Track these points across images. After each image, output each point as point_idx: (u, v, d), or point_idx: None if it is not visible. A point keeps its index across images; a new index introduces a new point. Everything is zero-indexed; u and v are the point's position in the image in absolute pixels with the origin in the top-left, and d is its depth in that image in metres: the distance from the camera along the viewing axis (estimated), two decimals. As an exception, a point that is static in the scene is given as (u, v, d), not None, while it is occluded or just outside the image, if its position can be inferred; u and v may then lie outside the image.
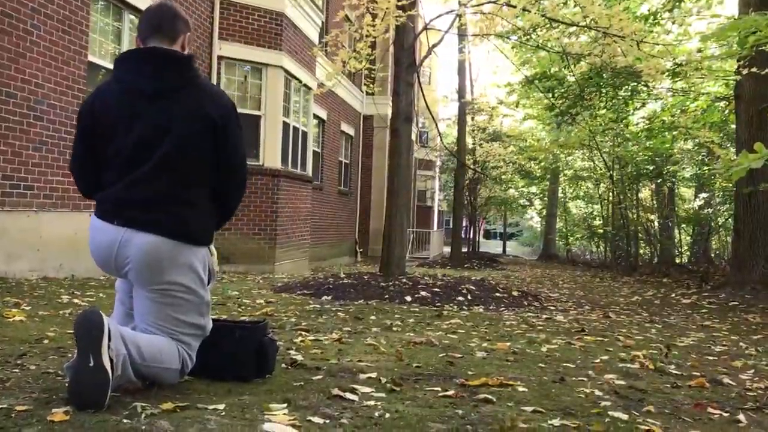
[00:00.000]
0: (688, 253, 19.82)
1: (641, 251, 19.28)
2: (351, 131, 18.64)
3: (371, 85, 15.79)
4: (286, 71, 11.14)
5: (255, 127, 10.78)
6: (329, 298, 6.07)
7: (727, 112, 13.07)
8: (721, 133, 13.70)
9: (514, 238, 49.32)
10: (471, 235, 26.73)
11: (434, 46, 7.96)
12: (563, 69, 14.98)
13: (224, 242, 10.39)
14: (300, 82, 11.78)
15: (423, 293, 6.22)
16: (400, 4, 7.02)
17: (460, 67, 18.35)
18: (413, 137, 25.06)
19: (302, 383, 2.45)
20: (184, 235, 2.21)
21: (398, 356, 3.08)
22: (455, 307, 5.89)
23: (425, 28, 7.84)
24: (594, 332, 4.68)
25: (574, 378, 2.86)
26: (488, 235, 50.67)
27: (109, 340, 1.95)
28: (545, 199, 30.16)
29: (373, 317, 4.68)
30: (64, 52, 6.92)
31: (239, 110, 9.78)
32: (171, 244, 2.17)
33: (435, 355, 3.25)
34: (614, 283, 11.66)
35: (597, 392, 2.58)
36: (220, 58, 10.41)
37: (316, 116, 14.26)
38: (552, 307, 6.60)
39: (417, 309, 5.37)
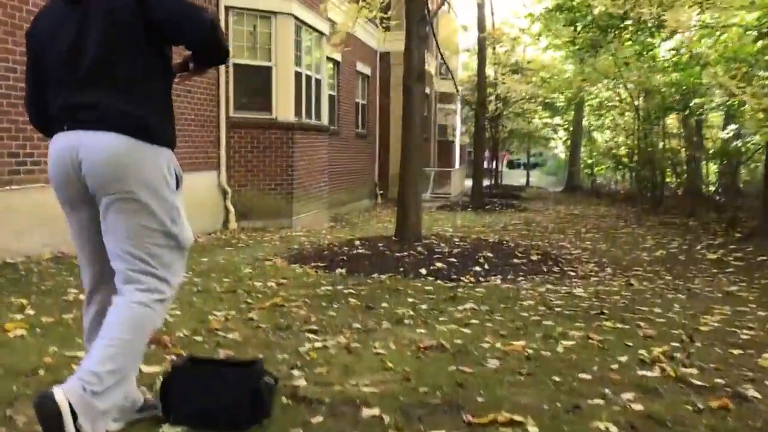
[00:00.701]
0: (715, 185, 19.35)
1: (668, 180, 18.82)
2: (367, 70, 18.18)
3: (387, 22, 15.25)
4: (297, 18, 10.75)
5: (266, 79, 10.50)
6: (343, 271, 5.96)
7: (761, 44, 12.42)
8: (752, 68, 13.07)
9: (537, 168, 48.77)
10: (494, 167, 26.40)
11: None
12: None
13: (241, 198, 10.30)
14: (312, 28, 11.38)
15: (438, 264, 6.09)
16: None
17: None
18: (432, 70, 24.47)
19: (301, 429, 2.35)
20: (142, 131, 2.08)
21: (405, 376, 2.96)
22: (471, 279, 5.75)
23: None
24: (614, 314, 4.52)
25: (589, 402, 2.73)
26: (512, 165, 50.12)
27: (75, 419, 1.85)
28: (569, 129, 29.54)
29: (385, 305, 4.56)
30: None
31: (248, 61, 9.54)
32: (129, 141, 2.06)
33: (444, 368, 3.13)
34: (638, 229, 11.42)
35: (612, 429, 2.45)
36: (227, 8, 10.05)
37: (329, 59, 13.85)
38: (572, 272, 6.44)
39: (431, 288, 5.24)
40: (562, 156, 37.09)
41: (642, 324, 4.25)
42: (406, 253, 6.45)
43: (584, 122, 27.75)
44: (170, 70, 2.23)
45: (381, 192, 19.83)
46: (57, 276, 5.16)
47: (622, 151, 22.18)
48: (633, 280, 6.08)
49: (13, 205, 6.08)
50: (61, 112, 2.11)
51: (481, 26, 17.43)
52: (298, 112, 11.05)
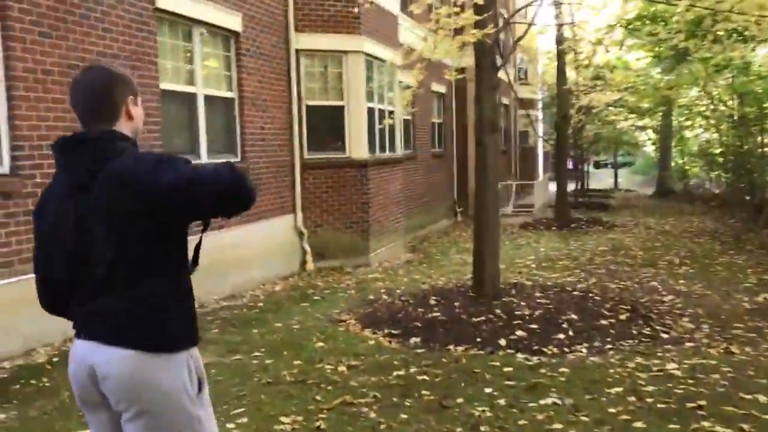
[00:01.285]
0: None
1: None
2: (442, 89, 17.90)
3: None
4: (368, 54, 10.63)
5: (339, 118, 10.43)
6: (418, 341, 5.75)
7: None
8: None
9: (626, 167, 46.94)
10: (579, 173, 25.53)
11: (519, 40, 7.21)
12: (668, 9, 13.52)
13: (317, 239, 10.27)
14: (383, 61, 11.23)
15: (518, 333, 5.78)
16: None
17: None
18: (511, 77, 23.89)
19: None
20: (158, 342, 1.94)
21: None
22: (555, 351, 5.42)
23: (507, 23, 7.09)
24: (713, 407, 4.11)
25: None
26: (598, 165, 48.44)
27: None
28: (657, 131, 28.24)
29: (460, 400, 4.31)
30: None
31: (320, 102, 9.44)
32: (144, 358, 1.91)
33: None
34: (737, 256, 10.65)
35: None
36: (298, 51, 10.03)
37: (403, 83, 13.67)
38: (665, 333, 5.98)
39: (510, 370, 4.94)
40: (652, 154, 35.55)
41: (745, 427, 3.84)
42: (483, 318, 6.16)
43: (674, 122, 26.44)
44: (185, 252, 2.06)
45: (460, 209, 19.51)
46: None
47: (716, 149, 20.97)
48: (734, 346, 5.58)
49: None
50: (73, 317, 2.03)
51: (559, 40, 16.82)
52: (371, 148, 10.94)
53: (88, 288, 1.96)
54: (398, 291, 8.27)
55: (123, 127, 2.05)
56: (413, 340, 5.80)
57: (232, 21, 8.45)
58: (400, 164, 12.45)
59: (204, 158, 7.96)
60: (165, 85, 7.30)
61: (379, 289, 8.52)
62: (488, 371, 4.94)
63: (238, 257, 8.48)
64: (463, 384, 4.65)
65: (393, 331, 6.06)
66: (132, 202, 1.88)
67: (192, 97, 7.86)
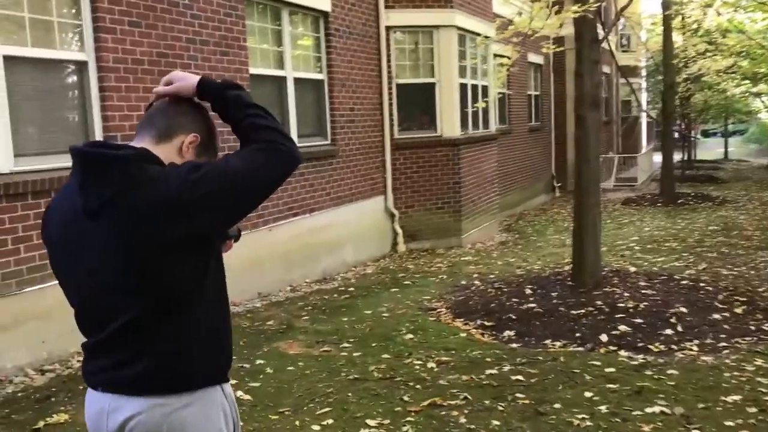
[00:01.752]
0: None
1: None
2: (539, 59, 17.19)
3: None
4: (460, 29, 10.25)
5: (430, 96, 10.16)
6: (512, 335, 5.48)
7: None
8: None
9: (737, 135, 44.01)
10: (686, 144, 24.07)
11: (623, 9, 6.67)
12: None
13: (408, 220, 10.11)
14: (477, 34, 10.82)
15: (622, 327, 5.39)
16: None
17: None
18: (612, 46, 22.64)
19: None
20: (184, 383, 1.69)
21: None
22: (661, 348, 5.01)
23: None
24: None
25: None
26: (706, 133, 45.69)
27: None
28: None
29: (557, 405, 4.03)
30: (224, 74, 6.75)
31: (410, 80, 9.16)
32: (168, 402, 1.67)
33: None
34: None
35: None
36: (388, 28, 9.78)
37: (498, 56, 13.17)
38: (787, 330, 5.43)
39: (613, 370, 4.59)
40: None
41: None
42: (583, 310, 5.80)
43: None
44: (213, 284, 1.76)
45: (559, 184, 18.82)
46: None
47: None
48: None
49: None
50: (85, 363, 1.78)
51: (666, 4, 15.74)
52: (464, 125, 10.60)
53: (102, 337, 1.69)
54: (491, 276, 7.99)
55: (168, 155, 1.73)
56: (507, 333, 5.53)
57: (322, 1, 8.30)
58: (494, 141, 12.05)
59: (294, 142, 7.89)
60: (254, 70, 7.26)
61: (472, 273, 8.25)
62: (588, 371, 4.61)
63: (329, 240, 8.43)
64: (560, 386, 4.36)
65: (486, 323, 5.81)
66: (159, 230, 1.57)
67: (281, 80, 7.79)
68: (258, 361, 4.87)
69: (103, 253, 1.62)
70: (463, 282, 7.73)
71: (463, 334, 5.57)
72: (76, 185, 1.66)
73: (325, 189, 8.39)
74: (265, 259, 7.29)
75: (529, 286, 6.84)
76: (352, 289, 7.52)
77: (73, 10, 5.31)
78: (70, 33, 5.32)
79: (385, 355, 5.01)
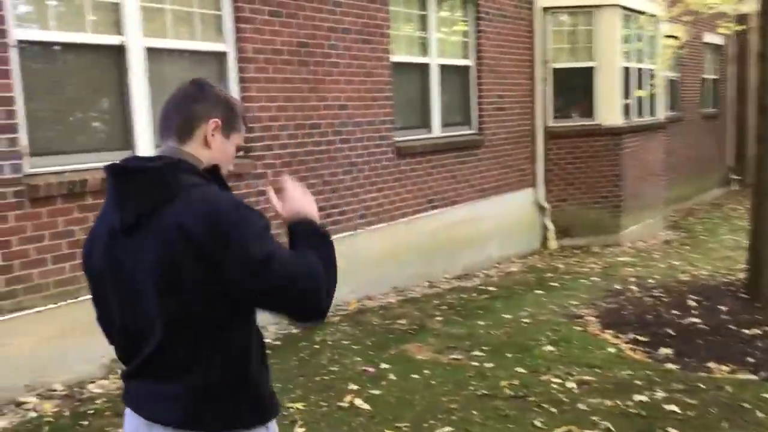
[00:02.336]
0: None
1: None
2: (718, 40, 15.54)
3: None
4: (624, 8, 9.40)
5: (588, 82, 9.43)
6: (669, 353, 4.83)
7: None
8: None
9: None
10: None
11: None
12: None
13: (561, 214, 9.48)
14: (642, 13, 9.88)
15: (805, 355, 4.58)
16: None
17: None
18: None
19: None
20: (227, 423, 1.58)
21: None
22: None
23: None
24: None
25: None
26: None
27: None
28: None
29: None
30: (366, 63, 6.57)
31: (567, 64, 8.58)
32: None
33: None
34: None
35: None
36: (545, 9, 9.17)
37: (667, 36, 12.01)
38: None
39: (792, 409, 3.87)
40: None
41: None
42: (758, 331, 5.01)
43: None
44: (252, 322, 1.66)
45: (738, 177, 16.99)
46: (354, 339, 5.01)
47: None
48: None
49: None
50: (126, 388, 1.70)
51: None
52: (626, 113, 9.74)
53: (140, 362, 1.60)
54: (650, 281, 7.23)
55: (196, 151, 1.66)
56: (663, 351, 4.90)
57: (471, -18, 7.89)
58: (661, 130, 11.01)
59: (436, 131, 7.59)
60: (397, 57, 7.01)
61: (628, 276, 7.53)
62: (761, 407, 3.92)
63: (471, 234, 8.06)
64: (725, 423, 3.73)
65: (639, 337, 5.19)
66: (193, 265, 1.48)
67: (425, 67, 7.49)
68: (383, 365, 4.64)
69: (140, 272, 1.54)
70: (617, 286, 7.06)
71: (612, 349, 5.00)
72: (112, 204, 1.59)
73: (469, 180, 8.01)
74: (402, 253, 7.07)
75: (693, 296, 6.07)
76: (492, 288, 7.11)
77: (214, 1, 5.32)
78: (211, 24, 5.34)
79: (520, 369, 4.58)
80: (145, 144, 4.78)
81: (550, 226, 9.42)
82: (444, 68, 7.69)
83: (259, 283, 1.50)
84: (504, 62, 8.55)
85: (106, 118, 4.80)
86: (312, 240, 1.67)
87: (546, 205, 9.40)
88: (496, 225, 8.48)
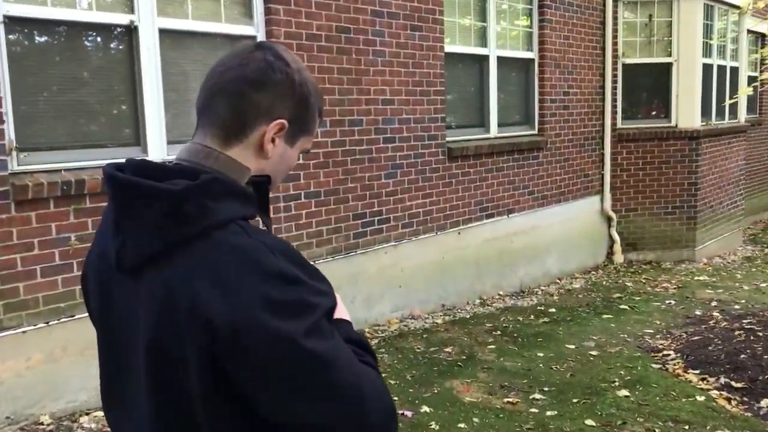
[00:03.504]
0: None
1: None
2: (804, 37, 14.23)
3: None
4: (707, -3, 8.42)
5: (664, 79, 8.49)
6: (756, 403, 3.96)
7: None
8: None
9: None
10: None
11: None
12: None
13: (629, 225, 8.58)
14: (727, 5, 8.87)
15: None
16: None
17: None
18: None
19: None
20: None
21: None
22: None
23: None
24: None
25: None
26: None
27: None
28: None
29: None
30: (415, 53, 5.83)
31: (640, 60, 7.73)
32: None
33: None
34: None
35: None
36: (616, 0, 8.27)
37: (751, 32, 10.92)
38: None
39: None
40: None
41: None
42: None
43: None
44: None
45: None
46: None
47: None
48: None
49: (360, 270, 5.50)
50: None
51: None
52: (705, 114, 8.75)
53: None
54: (736, 307, 6.30)
55: (245, 159, 1.15)
56: (764, 403, 4.02)
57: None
58: (742, 134, 9.95)
59: (493, 131, 6.80)
60: (450, 48, 6.25)
61: (708, 300, 6.60)
62: None
63: (530, 246, 7.24)
64: None
65: (733, 383, 4.32)
66: (197, 369, 1.02)
67: (482, 60, 6.70)
68: (423, 408, 3.91)
69: (135, 336, 1.09)
70: (698, 312, 6.15)
71: (701, 398, 4.14)
72: (111, 222, 1.11)
73: (528, 186, 7.19)
74: (452, 266, 6.31)
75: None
76: (553, 309, 6.28)
77: (242, -22, 4.67)
78: (236, 3, 4.69)
79: (589, 421, 3.78)
80: (156, 140, 4.16)
81: (617, 238, 8.51)
82: (503, 61, 6.89)
83: (308, 403, 1.03)
84: (570, 56, 7.69)
85: (110, 110, 4.18)
86: (355, 348, 1.14)
87: (613, 214, 8.49)
88: (557, 236, 7.63)
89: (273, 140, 1.14)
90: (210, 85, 1.15)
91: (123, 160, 1.13)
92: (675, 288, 7.17)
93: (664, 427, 3.70)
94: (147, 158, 1.21)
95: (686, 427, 3.70)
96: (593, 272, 8.00)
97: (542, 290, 7.14)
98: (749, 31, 10.44)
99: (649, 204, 8.61)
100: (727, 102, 8.82)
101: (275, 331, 0.97)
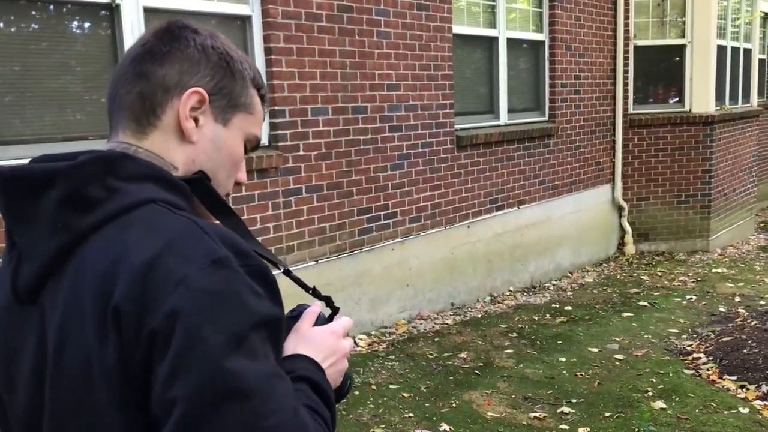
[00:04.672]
0: None
1: None
2: (811, 18, 13.87)
3: None
4: (722, -25, 8.02)
5: (677, 62, 8.11)
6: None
7: None
8: None
9: None
10: None
11: None
12: None
13: (640, 214, 8.23)
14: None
15: None
16: None
17: None
18: None
19: None
20: None
21: None
22: None
23: None
24: None
25: None
26: None
27: None
28: None
29: None
30: (422, 35, 5.42)
31: (653, 42, 7.39)
32: None
33: None
34: None
35: None
36: (626, -24, 7.85)
37: (764, 13, 10.55)
38: None
39: None
40: None
41: None
42: None
43: None
44: None
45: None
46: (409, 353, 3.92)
47: None
48: None
49: (366, 269, 5.11)
50: None
51: None
52: (719, 98, 8.39)
53: None
54: (762, 302, 5.95)
55: (164, 148, 0.93)
56: None
57: (546, -59, 6.65)
58: (754, 119, 9.60)
59: (503, 118, 6.40)
60: (459, 29, 5.84)
61: (731, 295, 6.26)
62: None
63: (540, 239, 6.87)
64: None
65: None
66: (111, 362, 0.77)
67: (492, 41, 6.29)
68: (443, 426, 3.53)
69: (34, 368, 0.85)
70: (722, 309, 5.81)
71: (744, 410, 3.78)
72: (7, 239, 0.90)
73: (539, 176, 6.81)
74: (461, 262, 5.94)
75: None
76: (568, 307, 5.92)
77: (237, -48, 4.24)
78: (230, -20, 4.27)
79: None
80: (142, 131, 3.74)
81: (628, 228, 8.15)
82: (513, 43, 6.49)
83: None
84: (582, 37, 7.28)
85: (91, 98, 3.76)
86: (311, 394, 0.88)
87: (624, 204, 8.13)
88: (569, 228, 7.27)
89: (195, 120, 0.93)
90: (115, 75, 0.97)
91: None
92: (693, 282, 6.82)
93: (709, 447, 3.35)
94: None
95: (732, 447, 3.35)
96: (605, 265, 7.65)
97: (554, 285, 6.78)
98: (764, 13, 10.07)
99: (662, 192, 8.25)
100: (728, 79, 8.45)
101: (189, 331, 0.74)
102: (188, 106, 0.92)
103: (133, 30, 3.67)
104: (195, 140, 0.93)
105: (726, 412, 3.74)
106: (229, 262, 0.78)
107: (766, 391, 4.00)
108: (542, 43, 6.89)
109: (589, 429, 3.54)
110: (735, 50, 8.86)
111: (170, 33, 0.94)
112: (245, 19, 4.27)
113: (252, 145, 1.01)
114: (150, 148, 0.92)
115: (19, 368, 0.88)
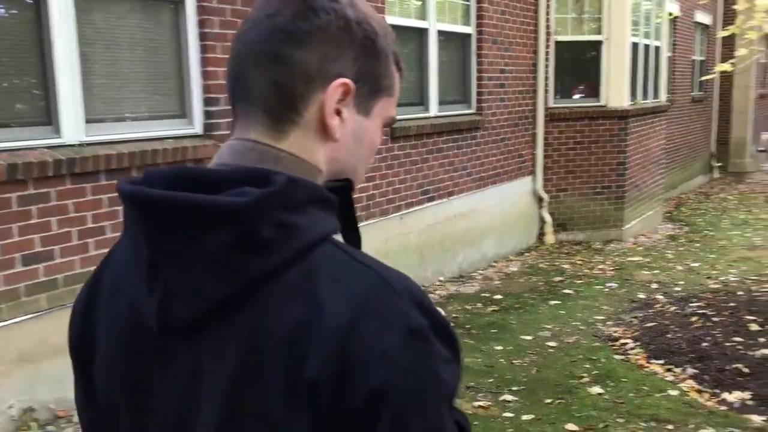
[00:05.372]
0: None
1: None
2: (707, 19, 14.75)
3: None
4: (636, -25, 8.35)
5: (594, 58, 8.40)
6: (746, 399, 3.83)
7: None
8: None
9: None
10: None
11: None
12: None
13: (559, 206, 8.48)
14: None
15: None
16: None
17: None
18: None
19: None
20: None
21: None
22: None
23: None
24: None
25: None
26: None
27: None
28: None
29: None
30: (354, 23, 5.34)
31: (572, 38, 7.60)
32: None
33: None
34: None
35: None
36: (548, -27, 8.04)
37: (671, 15, 11.08)
38: None
39: None
40: None
41: None
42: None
43: None
44: None
45: (719, 164, 16.25)
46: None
47: None
48: None
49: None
50: None
51: None
52: (633, 94, 8.76)
53: None
54: (677, 289, 6.28)
55: (307, 150, 0.80)
56: (737, 396, 3.89)
57: (473, -65, 6.71)
58: (663, 114, 10.09)
59: (433, 110, 6.44)
60: (392, 19, 5.82)
61: (648, 282, 6.56)
62: None
63: (467, 230, 6.97)
64: None
65: (701, 374, 4.18)
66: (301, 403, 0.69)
67: (422, 33, 6.31)
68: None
69: (197, 411, 0.75)
70: (641, 296, 6.08)
71: (673, 392, 3.97)
72: (142, 265, 0.74)
73: (467, 168, 6.90)
74: (395, 254, 5.94)
75: (751, 317, 5.09)
76: (498, 296, 6.05)
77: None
78: (163, -39, 4.07)
79: (570, 426, 3.52)
80: (71, 118, 3.51)
81: (548, 219, 8.40)
82: (443, 35, 6.53)
83: None
84: (506, 32, 7.42)
85: (14, 84, 3.50)
86: None
87: (544, 195, 8.37)
88: (494, 219, 7.41)
89: (339, 112, 0.80)
90: (236, 53, 0.81)
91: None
92: (612, 270, 7.10)
93: (647, 428, 3.49)
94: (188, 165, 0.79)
95: (669, 427, 3.51)
96: (527, 254, 7.85)
97: (481, 275, 6.91)
98: (670, 15, 10.57)
99: (579, 184, 8.55)
100: (640, 75, 8.84)
101: (396, 419, 0.69)
102: (334, 99, 0.79)
103: (60, 6, 3.43)
104: (337, 138, 0.81)
105: (658, 395, 3.92)
106: (426, 333, 0.71)
107: (690, 373, 4.21)
108: (469, 36, 6.97)
109: (533, 416, 3.62)
110: (647, 47, 9.27)
111: (305, 1, 0.79)
112: (179, 3, 4.08)
113: (389, 127, 0.91)
114: (291, 149, 0.79)
115: (151, 394, 0.79)
